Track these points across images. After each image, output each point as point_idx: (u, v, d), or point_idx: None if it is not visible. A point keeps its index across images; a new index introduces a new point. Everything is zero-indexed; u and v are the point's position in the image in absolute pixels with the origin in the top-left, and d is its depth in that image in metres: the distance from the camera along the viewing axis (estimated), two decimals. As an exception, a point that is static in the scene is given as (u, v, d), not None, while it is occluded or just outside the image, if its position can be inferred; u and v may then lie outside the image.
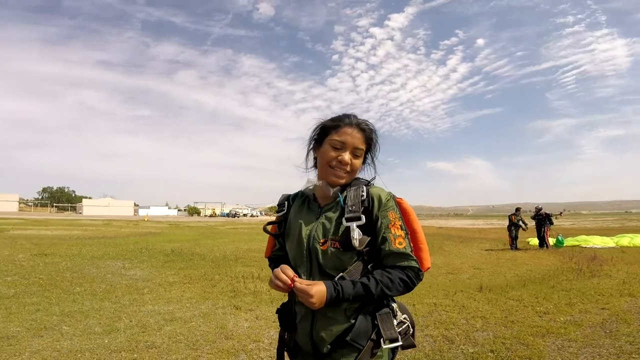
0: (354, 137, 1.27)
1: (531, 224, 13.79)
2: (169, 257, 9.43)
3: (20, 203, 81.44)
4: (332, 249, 1.22)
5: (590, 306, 4.92)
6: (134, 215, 78.11)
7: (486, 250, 12.96)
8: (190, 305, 4.76)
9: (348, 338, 1.17)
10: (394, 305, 1.25)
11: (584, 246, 13.22)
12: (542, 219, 13.31)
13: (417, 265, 1.20)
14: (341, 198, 1.27)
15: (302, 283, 1.14)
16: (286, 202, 1.45)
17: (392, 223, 1.21)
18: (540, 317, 4.55)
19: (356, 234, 1.15)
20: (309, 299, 1.10)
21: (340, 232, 1.22)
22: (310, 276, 1.26)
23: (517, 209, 14.05)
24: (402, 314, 1.26)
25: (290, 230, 1.37)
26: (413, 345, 1.28)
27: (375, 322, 1.19)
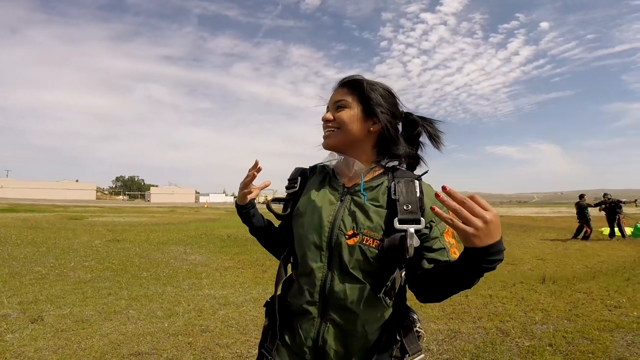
0: (333, 96, 1.13)
1: (600, 214, 12.68)
2: (225, 243, 9.96)
3: (97, 191, 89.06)
4: (364, 247, 0.98)
5: (673, 302, 4.40)
6: (195, 202, 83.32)
7: (552, 240, 11.97)
8: (242, 290, 4.99)
9: (374, 359, 1.00)
10: (415, 316, 1.09)
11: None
12: (614, 207, 12.02)
13: None
14: (363, 182, 1.05)
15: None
16: (299, 178, 1.19)
17: (447, 230, 1.03)
18: (610, 311, 4.19)
19: (414, 241, 0.93)
20: (486, 214, 0.75)
21: (382, 230, 0.98)
22: (329, 275, 1.01)
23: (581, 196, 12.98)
24: (418, 323, 1.09)
25: (303, 211, 1.10)
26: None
27: (398, 337, 1.03)
